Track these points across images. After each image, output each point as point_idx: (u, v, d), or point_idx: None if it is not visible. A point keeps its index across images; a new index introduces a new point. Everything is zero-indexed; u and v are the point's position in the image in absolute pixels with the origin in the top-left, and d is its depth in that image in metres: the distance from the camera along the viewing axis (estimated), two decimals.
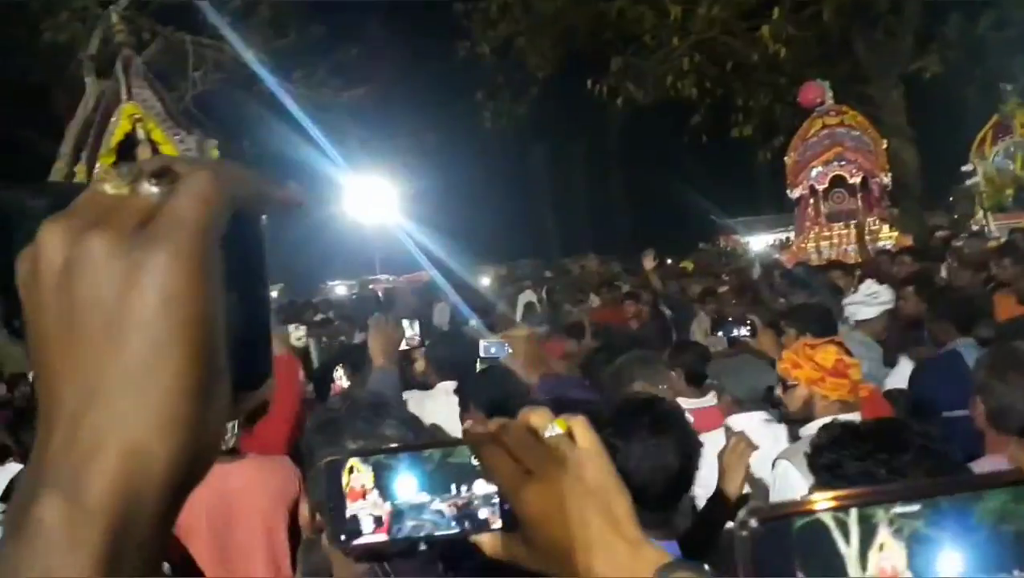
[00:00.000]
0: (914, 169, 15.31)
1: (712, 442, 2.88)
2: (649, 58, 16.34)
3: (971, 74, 16.15)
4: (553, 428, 0.78)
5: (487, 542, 0.80)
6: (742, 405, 3.55)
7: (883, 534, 0.56)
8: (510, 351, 4.06)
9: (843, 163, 10.69)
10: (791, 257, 11.14)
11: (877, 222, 10.63)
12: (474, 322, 6.95)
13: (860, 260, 10.27)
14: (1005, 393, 2.66)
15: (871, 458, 1.77)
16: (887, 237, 10.45)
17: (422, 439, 1.69)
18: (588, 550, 0.74)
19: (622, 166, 31.77)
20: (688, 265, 14.21)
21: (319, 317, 10.94)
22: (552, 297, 10.56)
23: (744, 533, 0.58)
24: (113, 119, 6.54)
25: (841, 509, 0.58)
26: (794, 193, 11.22)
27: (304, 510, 1.74)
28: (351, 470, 0.80)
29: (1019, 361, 2.75)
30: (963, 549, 0.56)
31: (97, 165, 6.35)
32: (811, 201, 10.98)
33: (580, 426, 0.79)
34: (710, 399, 4.06)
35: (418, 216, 16.02)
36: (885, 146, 11.34)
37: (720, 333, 4.77)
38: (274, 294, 25.83)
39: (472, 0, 17.21)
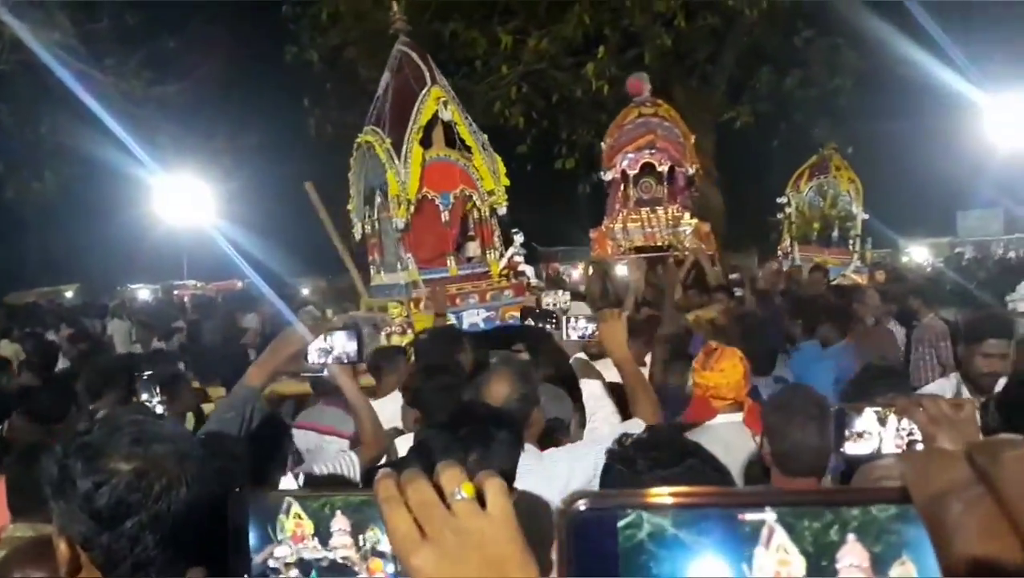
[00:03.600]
0: (719, 213, 16.15)
1: None
2: (479, 83, 16.47)
3: (777, 127, 17.31)
4: (459, 492, 0.71)
5: None
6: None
7: (780, 537, 0.61)
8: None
9: (653, 151, 11.14)
10: (599, 237, 11.46)
11: (679, 209, 11.12)
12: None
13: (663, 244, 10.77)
14: (790, 436, 2.73)
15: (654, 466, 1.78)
16: (688, 224, 10.96)
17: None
18: None
19: None
20: None
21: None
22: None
23: (565, 517, 0.62)
24: (419, 100, 7.05)
25: (670, 508, 0.61)
26: (607, 176, 11.58)
27: (62, 546, 1.49)
28: (296, 516, 0.83)
29: (804, 405, 2.83)
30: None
31: (406, 139, 6.89)
32: (622, 186, 11.35)
33: (493, 490, 0.72)
34: None
35: (234, 222, 15.31)
36: (692, 141, 11.88)
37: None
38: (69, 294, 24.11)
39: (301, 4, 16.77)
